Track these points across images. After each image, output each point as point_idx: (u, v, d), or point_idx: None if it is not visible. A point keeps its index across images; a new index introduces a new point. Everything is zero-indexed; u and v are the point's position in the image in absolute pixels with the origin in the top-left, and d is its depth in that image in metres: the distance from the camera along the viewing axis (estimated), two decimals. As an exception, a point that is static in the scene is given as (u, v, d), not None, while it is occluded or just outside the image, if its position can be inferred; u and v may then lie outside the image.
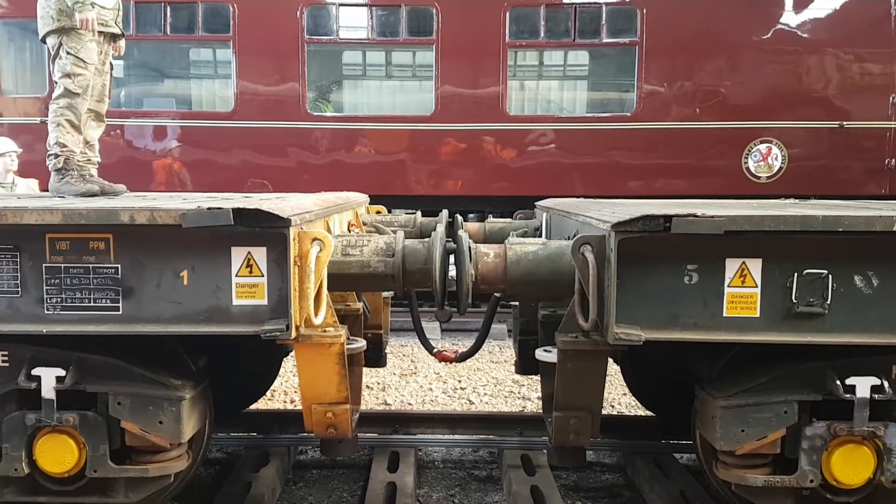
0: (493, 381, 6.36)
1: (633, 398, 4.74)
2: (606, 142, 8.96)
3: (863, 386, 2.47)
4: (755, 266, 2.34)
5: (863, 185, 8.74)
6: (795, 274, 2.34)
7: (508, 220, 4.67)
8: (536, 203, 4.61)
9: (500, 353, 7.34)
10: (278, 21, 8.86)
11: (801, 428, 2.53)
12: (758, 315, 2.36)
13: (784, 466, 2.62)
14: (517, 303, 3.93)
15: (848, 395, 2.47)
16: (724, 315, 2.36)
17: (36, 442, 2.59)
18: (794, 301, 2.34)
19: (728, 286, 2.35)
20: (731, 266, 2.34)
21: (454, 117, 8.91)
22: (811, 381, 2.53)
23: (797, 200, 4.41)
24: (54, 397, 2.53)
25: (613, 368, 4.51)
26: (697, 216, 2.23)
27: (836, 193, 7.74)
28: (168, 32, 8.92)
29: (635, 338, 2.30)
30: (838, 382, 2.48)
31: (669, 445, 4.37)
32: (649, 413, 4.61)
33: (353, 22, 9.28)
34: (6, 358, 2.57)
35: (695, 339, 2.37)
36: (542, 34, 8.90)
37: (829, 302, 2.35)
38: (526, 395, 5.90)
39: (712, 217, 2.23)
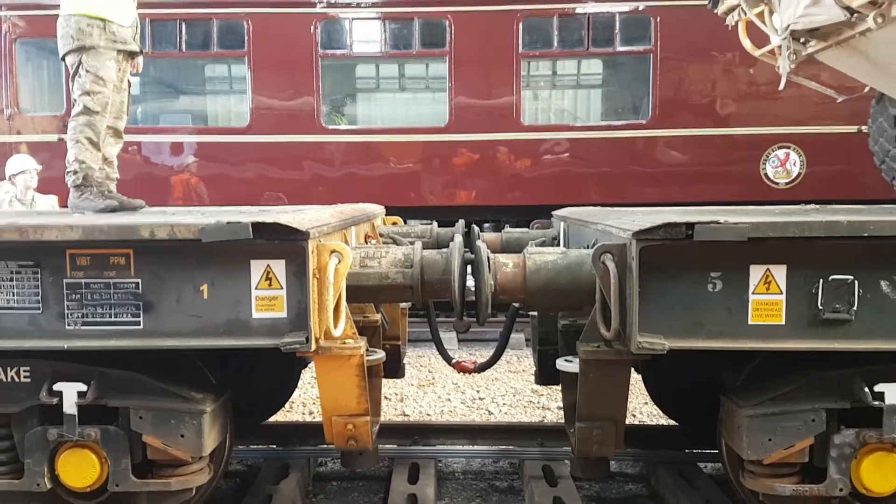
0: (512, 391, 6.33)
1: (656, 407, 4.69)
2: (622, 150, 8.93)
3: (892, 392, 2.42)
4: (780, 273, 2.31)
5: (882, 190, 8.63)
6: (821, 280, 2.30)
7: (525, 229, 4.65)
8: (553, 212, 4.59)
9: (517, 362, 7.30)
10: (292, 36, 8.92)
11: (829, 436, 2.49)
12: (783, 322, 2.32)
13: (812, 475, 2.57)
14: (535, 313, 3.91)
15: (877, 402, 2.43)
16: (749, 323, 2.32)
17: (58, 457, 2.59)
18: (820, 308, 2.31)
19: (752, 293, 2.31)
20: (756, 273, 2.31)
21: (468, 128, 8.92)
22: (839, 388, 2.49)
23: (818, 206, 4.37)
24: (76, 412, 2.54)
25: (634, 377, 4.47)
26: (720, 223, 2.20)
27: (855, 199, 7.66)
28: (183, 49, 9.01)
29: (659, 347, 2.27)
30: (866, 389, 2.43)
31: (693, 455, 4.31)
32: (672, 422, 4.57)
33: (367, 36, 9.33)
34: (28, 374, 2.58)
35: (720, 348, 2.34)
36: (556, 44, 8.91)
37: (855, 308, 2.30)
38: (545, 405, 5.86)
39: (735, 224, 2.20)
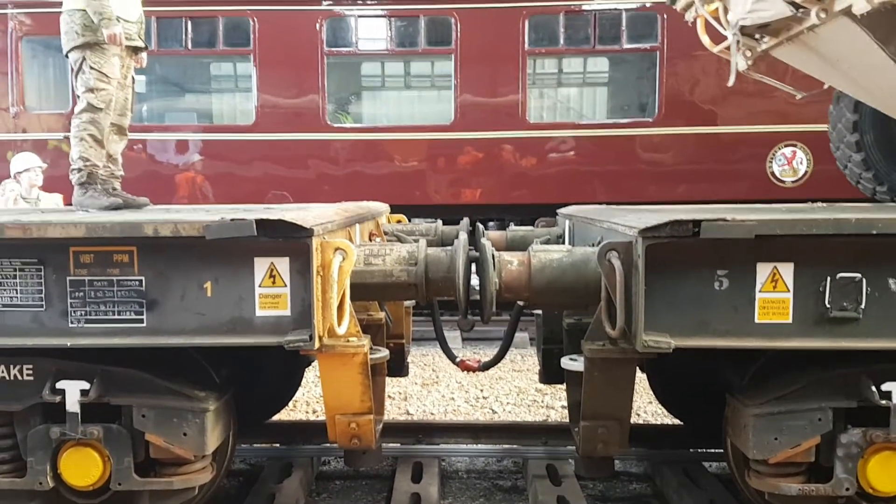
0: (516, 389, 6.31)
1: (660, 406, 4.67)
2: (628, 148, 8.90)
3: (900, 392, 2.41)
4: (787, 271, 2.29)
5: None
6: (828, 278, 2.28)
7: (530, 227, 4.63)
8: (559, 210, 4.57)
9: (521, 361, 7.28)
10: (298, 34, 8.91)
11: (835, 435, 2.48)
12: (790, 321, 2.30)
13: (818, 475, 2.56)
14: (539, 311, 3.89)
15: (884, 402, 2.41)
16: (756, 321, 2.30)
17: (61, 455, 2.59)
18: (828, 306, 2.29)
19: (759, 292, 2.29)
20: (763, 271, 2.29)
21: (474, 126, 8.90)
22: (845, 387, 2.47)
23: (825, 204, 4.34)
24: (79, 410, 2.54)
25: (639, 376, 4.45)
26: (727, 220, 2.18)
27: (862, 197, 7.62)
28: (189, 47, 9.01)
29: (665, 345, 2.26)
30: (874, 388, 2.42)
31: (698, 454, 4.30)
32: (677, 421, 4.54)
33: (372, 33, 9.32)
34: (31, 371, 2.57)
35: (726, 347, 2.32)
36: (562, 41, 8.87)
37: (863, 306, 2.28)
38: (549, 404, 5.84)
39: (742, 221, 2.18)
